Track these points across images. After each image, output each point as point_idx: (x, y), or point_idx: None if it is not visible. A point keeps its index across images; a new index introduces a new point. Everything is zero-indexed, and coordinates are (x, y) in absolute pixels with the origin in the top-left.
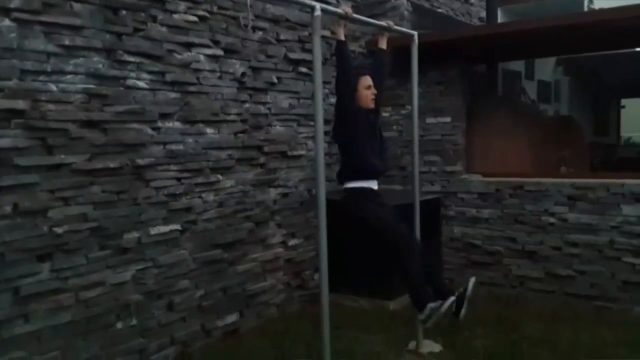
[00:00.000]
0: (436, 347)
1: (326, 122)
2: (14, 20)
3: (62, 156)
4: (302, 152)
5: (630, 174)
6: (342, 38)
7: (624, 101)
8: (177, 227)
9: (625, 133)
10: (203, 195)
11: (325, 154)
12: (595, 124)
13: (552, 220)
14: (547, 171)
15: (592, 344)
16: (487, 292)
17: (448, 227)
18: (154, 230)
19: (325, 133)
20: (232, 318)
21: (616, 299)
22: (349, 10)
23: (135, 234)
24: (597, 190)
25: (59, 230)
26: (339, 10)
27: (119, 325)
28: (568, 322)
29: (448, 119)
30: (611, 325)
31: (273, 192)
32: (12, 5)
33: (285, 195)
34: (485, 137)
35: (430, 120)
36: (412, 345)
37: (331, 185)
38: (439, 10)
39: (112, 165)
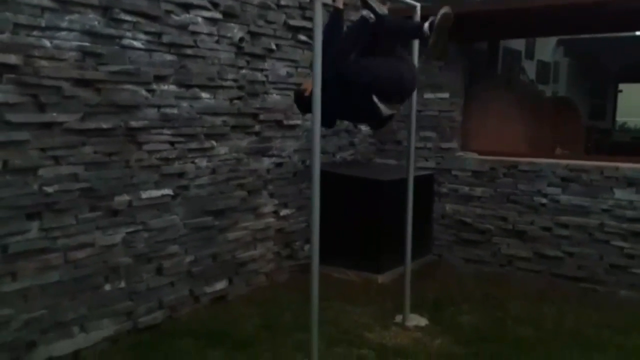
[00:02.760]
0: (422, 322)
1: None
2: None
3: (54, 114)
4: (298, 122)
5: (625, 158)
6: (341, 6)
7: (621, 86)
8: (169, 192)
9: (620, 118)
10: (196, 161)
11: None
12: (592, 107)
13: (544, 201)
14: (542, 152)
15: (576, 325)
16: (475, 269)
17: (440, 204)
18: (145, 194)
19: None
20: (220, 285)
21: (603, 282)
22: None
23: (126, 197)
24: (591, 172)
25: (49, 189)
26: None
27: (107, 287)
28: (554, 302)
29: (446, 95)
30: (596, 307)
31: (267, 162)
32: None
33: (279, 165)
34: (483, 115)
35: (428, 95)
36: (398, 318)
37: (326, 157)
38: None
39: (104, 126)
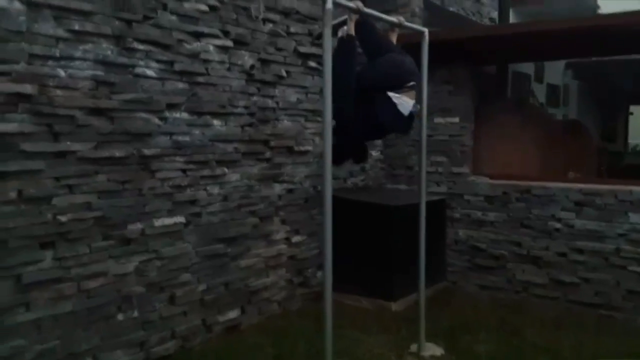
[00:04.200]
0: (438, 351)
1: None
2: (24, 2)
3: (68, 143)
4: (309, 148)
5: (639, 181)
6: (352, 33)
7: (632, 108)
8: (181, 219)
9: (632, 140)
10: (208, 188)
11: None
12: (603, 129)
13: (558, 225)
14: (554, 176)
15: (595, 354)
16: (490, 296)
17: (453, 229)
18: (158, 222)
19: None
20: (233, 314)
21: (620, 308)
22: (360, 4)
23: (139, 225)
24: (605, 196)
25: (63, 218)
26: (350, 3)
27: (120, 317)
28: (571, 329)
29: (456, 120)
30: (615, 334)
31: (278, 188)
32: None
33: (290, 191)
34: (493, 139)
35: (438, 120)
36: (413, 347)
37: (337, 183)
38: (450, 8)
39: (118, 154)
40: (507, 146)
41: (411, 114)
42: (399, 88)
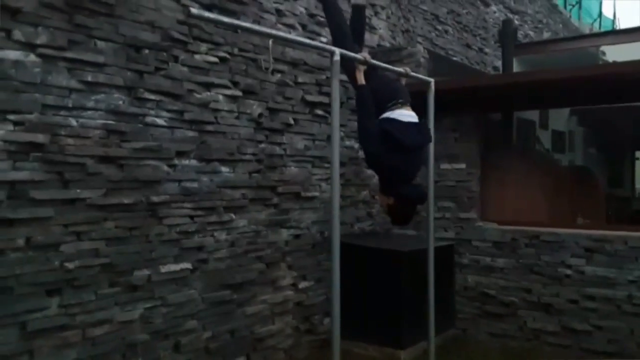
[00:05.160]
0: None
1: (342, 164)
2: (39, 55)
3: (78, 190)
4: (316, 194)
5: None
6: (363, 82)
7: (638, 154)
8: (188, 265)
9: (639, 185)
10: (215, 234)
11: (339, 197)
12: (610, 175)
13: (568, 272)
14: (563, 221)
15: None
16: (501, 344)
17: (462, 275)
18: (164, 268)
19: (341, 175)
20: None
21: (635, 357)
22: (367, 55)
23: (145, 272)
24: (615, 242)
25: (70, 265)
26: (358, 56)
27: None
28: None
29: (463, 166)
30: None
31: (285, 233)
32: (38, 41)
33: (297, 236)
34: (500, 185)
35: (444, 166)
36: None
37: (344, 228)
38: (454, 58)
39: (126, 201)
40: (515, 192)
41: (418, 125)
42: (391, 105)
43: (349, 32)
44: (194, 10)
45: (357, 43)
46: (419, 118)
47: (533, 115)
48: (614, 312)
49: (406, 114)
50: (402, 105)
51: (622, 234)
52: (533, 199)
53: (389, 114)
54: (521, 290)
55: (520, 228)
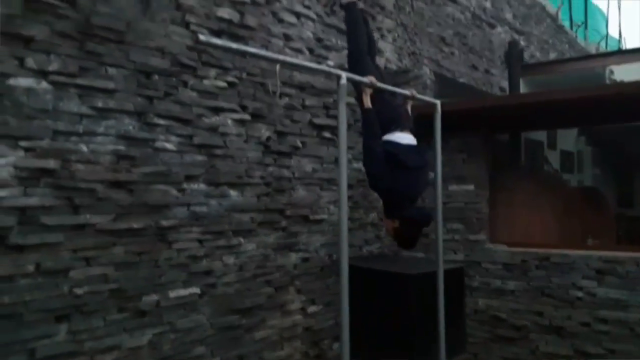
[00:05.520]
0: None
1: (350, 187)
2: (51, 82)
3: (88, 216)
4: (324, 217)
5: None
6: (370, 105)
7: None
8: (197, 290)
9: None
10: (224, 258)
11: (348, 219)
12: (619, 195)
13: (579, 294)
14: (573, 242)
15: None
16: None
17: (472, 298)
18: (173, 293)
19: (349, 198)
20: None
21: None
22: (373, 79)
23: (154, 297)
24: (627, 264)
25: (79, 291)
26: (364, 79)
27: None
28: None
29: (471, 187)
30: None
31: (294, 257)
32: (50, 68)
33: (305, 259)
34: (509, 206)
35: (453, 187)
36: None
37: (353, 251)
38: (461, 80)
39: (135, 225)
40: (524, 213)
41: (416, 147)
42: (392, 129)
43: (365, 49)
44: (203, 37)
45: (370, 55)
46: (417, 142)
47: (541, 135)
48: (627, 335)
49: (405, 137)
50: (401, 130)
51: (634, 255)
52: (542, 220)
53: (388, 137)
54: (532, 313)
55: (530, 250)
